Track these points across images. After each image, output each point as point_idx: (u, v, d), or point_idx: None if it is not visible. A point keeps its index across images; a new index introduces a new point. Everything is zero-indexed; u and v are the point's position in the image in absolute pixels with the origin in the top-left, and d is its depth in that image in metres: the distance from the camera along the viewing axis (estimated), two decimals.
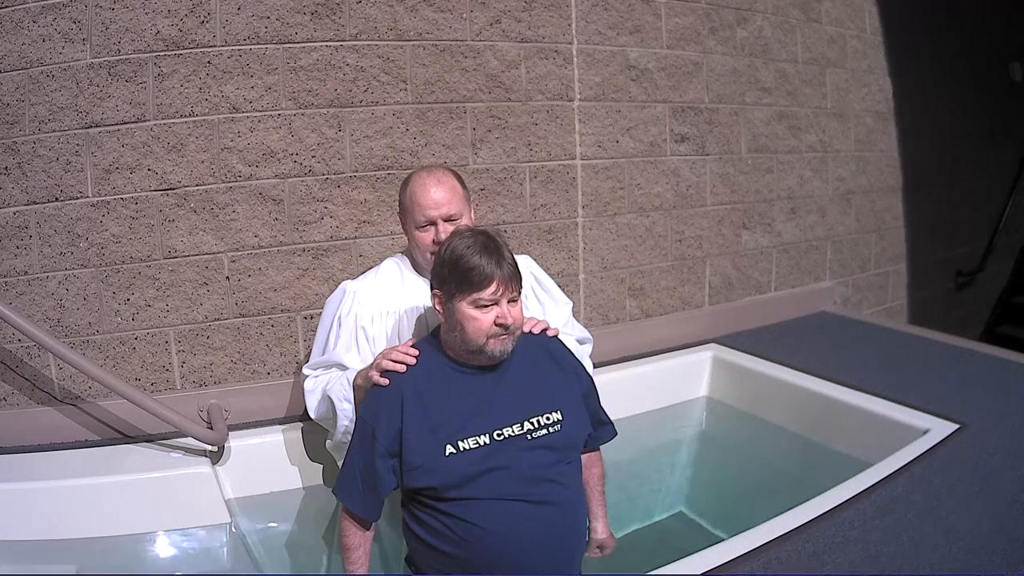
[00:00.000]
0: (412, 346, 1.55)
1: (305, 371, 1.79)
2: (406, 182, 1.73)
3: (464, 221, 1.67)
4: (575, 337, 1.86)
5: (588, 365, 1.79)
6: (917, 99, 3.68)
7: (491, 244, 1.43)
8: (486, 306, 1.41)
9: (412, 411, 1.44)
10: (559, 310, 1.88)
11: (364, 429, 1.47)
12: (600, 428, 1.68)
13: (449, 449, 1.41)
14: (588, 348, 1.91)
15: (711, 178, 2.89)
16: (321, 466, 1.99)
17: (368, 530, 1.51)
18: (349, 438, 1.63)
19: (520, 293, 1.48)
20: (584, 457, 1.65)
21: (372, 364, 1.55)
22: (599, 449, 1.74)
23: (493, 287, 1.40)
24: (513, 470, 1.41)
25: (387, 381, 1.47)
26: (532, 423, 1.46)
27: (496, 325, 1.42)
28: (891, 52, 3.50)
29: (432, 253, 1.61)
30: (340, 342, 1.72)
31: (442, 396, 1.46)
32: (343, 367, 1.71)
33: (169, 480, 1.82)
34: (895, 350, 2.69)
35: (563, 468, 1.48)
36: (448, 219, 1.65)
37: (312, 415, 1.77)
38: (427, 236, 1.66)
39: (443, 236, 1.61)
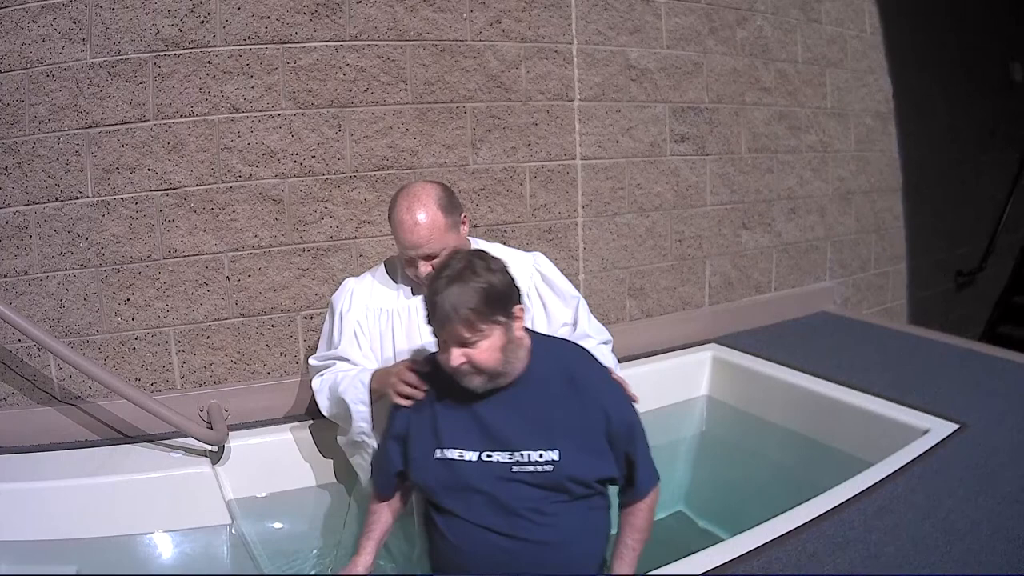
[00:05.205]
0: (428, 358, 1.53)
1: (312, 361, 1.82)
2: (393, 202, 1.68)
3: (451, 245, 1.63)
4: (598, 341, 1.81)
5: (611, 361, 1.77)
6: (917, 99, 3.67)
7: (453, 281, 1.34)
8: (445, 342, 1.37)
9: (425, 405, 1.48)
10: (565, 307, 1.87)
11: (393, 410, 1.54)
12: (634, 480, 1.49)
13: (438, 453, 1.44)
14: (607, 348, 1.86)
15: (711, 178, 2.89)
16: (321, 466, 1.99)
17: (383, 502, 1.57)
18: (364, 438, 1.69)
19: (482, 334, 1.35)
20: (625, 509, 1.53)
21: (391, 375, 1.56)
22: (644, 499, 1.51)
23: (444, 332, 1.36)
24: (490, 498, 1.39)
25: (410, 403, 1.51)
26: (520, 456, 1.40)
27: (458, 365, 1.36)
28: (891, 52, 3.50)
29: (416, 278, 1.67)
30: (343, 336, 1.76)
31: (450, 401, 1.47)
32: (346, 360, 1.75)
33: (169, 480, 1.82)
34: (895, 350, 2.68)
35: (550, 506, 1.40)
36: (427, 258, 1.62)
37: (325, 413, 1.78)
38: (410, 266, 1.69)
39: (422, 271, 1.61)
